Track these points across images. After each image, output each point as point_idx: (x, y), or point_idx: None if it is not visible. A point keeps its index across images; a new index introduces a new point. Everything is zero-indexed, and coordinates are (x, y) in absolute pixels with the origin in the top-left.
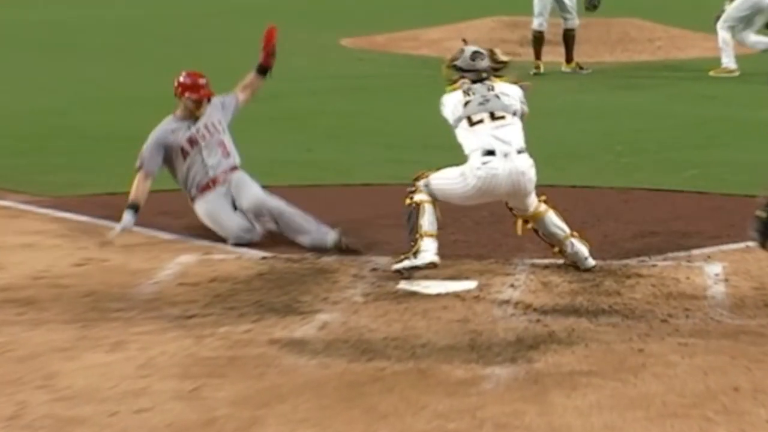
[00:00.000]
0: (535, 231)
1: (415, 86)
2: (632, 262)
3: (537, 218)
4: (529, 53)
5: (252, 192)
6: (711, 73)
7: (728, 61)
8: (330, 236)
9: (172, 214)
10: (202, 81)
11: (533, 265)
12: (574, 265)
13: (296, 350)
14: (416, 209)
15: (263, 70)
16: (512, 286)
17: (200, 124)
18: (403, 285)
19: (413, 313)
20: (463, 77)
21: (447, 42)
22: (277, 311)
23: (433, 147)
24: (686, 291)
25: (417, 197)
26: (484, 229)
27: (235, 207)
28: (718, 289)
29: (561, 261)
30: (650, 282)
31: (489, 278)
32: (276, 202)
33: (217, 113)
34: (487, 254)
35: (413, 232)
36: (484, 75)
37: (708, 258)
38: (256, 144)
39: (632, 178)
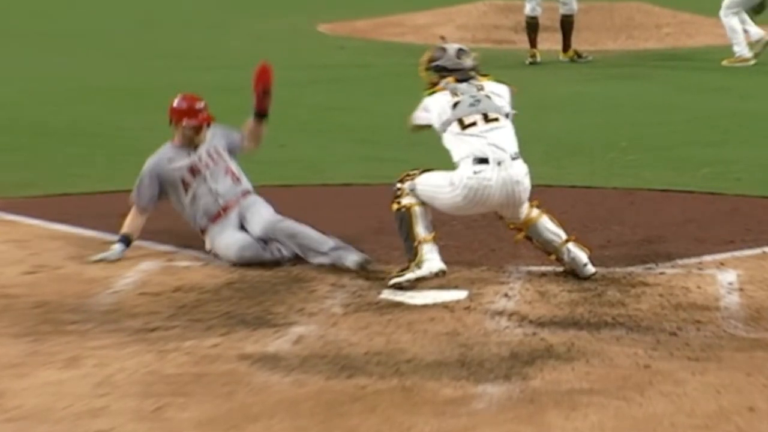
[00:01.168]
0: (529, 239)
1: (399, 77)
2: (638, 269)
3: (530, 225)
4: (524, 41)
5: (262, 215)
6: (724, 63)
7: (741, 50)
8: (351, 258)
9: None
10: (199, 105)
11: (529, 273)
12: (573, 272)
13: (269, 366)
14: (407, 214)
15: (259, 114)
16: (506, 295)
17: (202, 151)
18: (387, 295)
19: (397, 325)
20: (444, 77)
21: (435, 28)
22: (248, 324)
23: (418, 144)
24: (697, 301)
25: (405, 201)
26: (475, 234)
27: (243, 230)
28: (732, 300)
29: (559, 268)
30: (657, 291)
31: (481, 287)
32: (288, 223)
33: (220, 140)
34: (479, 261)
35: (409, 240)
36: (471, 73)
37: (721, 265)
38: None
39: (638, 178)
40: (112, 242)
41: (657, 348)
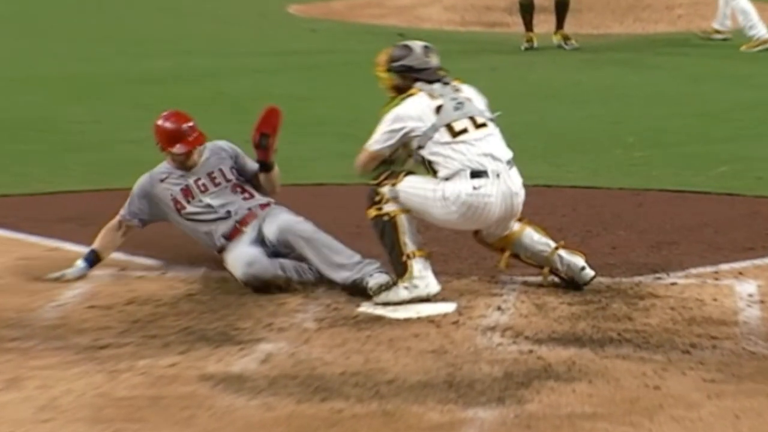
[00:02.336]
0: (516, 256)
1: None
2: (647, 279)
3: (513, 240)
4: (519, 23)
5: (280, 217)
6: (743, 49)
7: (758, 31)
8: (377, 278)
9: (79, 220)
10: (186, 126)
11: (525, 284)
12: (571, 282)
13: (233, 388)
14: (391, 223)
15: (263, 167)
16: (499, 308)
17: (201, 173)
18: (365, 308)
19: (377, 342)
20: (411, 79)
21: (419, 9)
22: (210, 340)
23: None
24: (713, 315)
25: (387, 208)
26: (464, 240)
27: (261, 243)
28: (752, 313)
29: (557, 279)
30: (669, 304)
31: (471, 299)
32: (307, 225)
33: (227, 161)
34: (469, 270)
35: (395, 254)
36: (441, 73)
37: (740, 275)
38: None
39: (647, 177)
40: (55, 248)
41: (668, 367)
